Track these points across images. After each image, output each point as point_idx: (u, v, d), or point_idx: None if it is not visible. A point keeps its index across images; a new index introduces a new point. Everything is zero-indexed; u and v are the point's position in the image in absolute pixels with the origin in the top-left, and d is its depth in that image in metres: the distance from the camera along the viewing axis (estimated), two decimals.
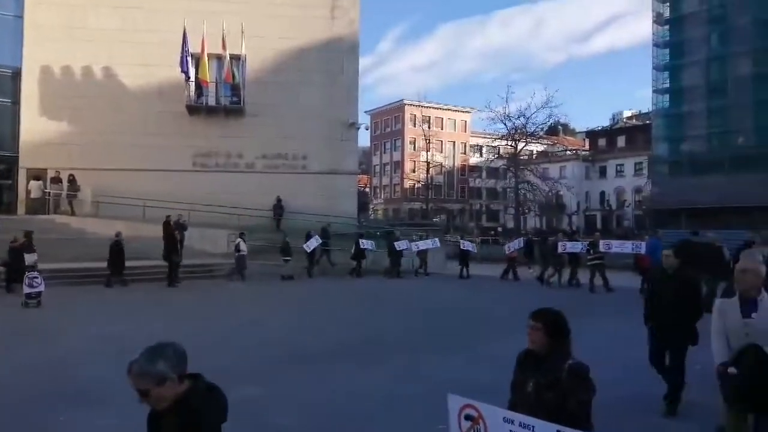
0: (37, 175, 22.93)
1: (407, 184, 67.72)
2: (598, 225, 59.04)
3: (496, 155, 54.55)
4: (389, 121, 75.37)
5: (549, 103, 43.58)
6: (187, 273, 17.31)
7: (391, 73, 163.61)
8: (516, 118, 44.46)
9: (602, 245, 16.94)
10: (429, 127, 61.61)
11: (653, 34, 50.30)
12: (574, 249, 17.55)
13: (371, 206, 68.04)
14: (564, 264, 17.86)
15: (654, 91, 50.48)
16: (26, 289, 12.36)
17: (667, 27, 49.52)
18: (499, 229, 56.89)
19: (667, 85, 49.41)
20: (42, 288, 12.50)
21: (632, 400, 5.81)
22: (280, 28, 24.66)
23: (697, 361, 5.49)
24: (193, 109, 24.25)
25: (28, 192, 22.81)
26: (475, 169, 74.56)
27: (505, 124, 45.36)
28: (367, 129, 31.69)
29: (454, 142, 74.46)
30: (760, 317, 3.71)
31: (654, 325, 5.63)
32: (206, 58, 22.89)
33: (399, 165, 72.87)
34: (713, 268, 11.17)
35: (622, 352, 7.72)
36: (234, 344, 9.03)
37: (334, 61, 25.45)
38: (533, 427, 2.32)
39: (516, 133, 45.11)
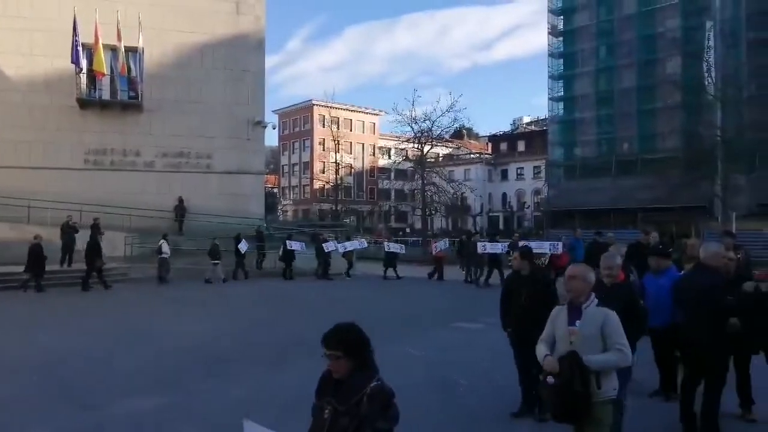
0: None
1: (317, 184, 67.26)
2: (501, 226, 61.75)
3: (404, 157, 55.43)
4: (298, 121, 74.55)
5: (453, 108, 44.93)
6: (77, 279, 16.19)
7: (299, 72, 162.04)
8: (422, 122, 45.45)
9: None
10: (338, 128, 61.56)
11: (549, 45, 53.23)
12: (495, 250, 17.78)
13: (280, 207, 66.90)
14: (483, 264, 18.17)
15: (550, 99, 53.39)
16: None
17: (561, 39, 52.59)
18: (407, 229, 57.94)
19: (562, 94, 52.44)
20: None
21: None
22: (180, 21, 23.66)
23: None
24: (85, 103, 22.68)
25: None
26: (383, 170, 75.41)
27: (411, 127, 46.26)
28: (274, 128, 31.18)
29: (363, 143, 74.93)
30: (583, 325, 3.61)
31: (511, 329, 5.72)
32: (101, 49, 21.48)
33: (308, 165, 72.25)
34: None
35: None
36: (138, 352, 8.58)
37: (240, 57, 24.77)
38: None
39: (422, 136, 46.08)
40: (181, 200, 22.90)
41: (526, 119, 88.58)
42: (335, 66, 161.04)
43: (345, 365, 2.51)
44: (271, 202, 51.56)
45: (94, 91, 22.72)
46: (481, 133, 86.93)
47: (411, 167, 56.12)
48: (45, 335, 9.90)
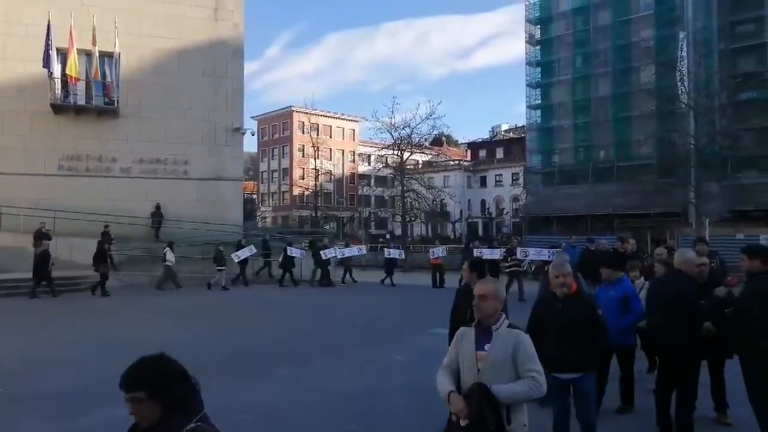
0: None
1: (296, 191, 66.97)
2: (480, 232, 62.13)
3: (384, 164, 55.47)
4: (277, 127, 74.28)
5: (432, 115, 45.13)
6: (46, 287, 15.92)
7: (279, 79, 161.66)
8: (401, 129, 45.57)
9: (519, 252, 17.03)
10: (317, 135, 61.45)
11: (526, 53, 53.77)
12: (492, 256, 17.38)
13: (259, 214, 66.42)
14: None
15: (528, 107, 53.90)
16: None
17: (538, 48, 53.21)
18: (387, 236, 57.89)
19: (539, 102, 52.99)
20: None
21: None
22: (158, 27, 23.44)
23: None
24: (60, 109, 22.29)
25: None
26: (363, 177, 75.45)
27: (391, 134, 46.35)
28: (253, 134, 30.97)
29: (343, 150, 74.91)
30: (493, 349, 3.13)
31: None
32: (75, 54, 21.14)
33: (287, 172, 71.96)
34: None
35: None
36: (115, 361, 8.37)
37: (218, 64, 24.60)
38: None
39: (402, 143, 46.21)
40: (158, 207, 22.60)
41: (505, 127, 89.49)
42: (315, 73, 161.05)
43: (151, 410, 1.97)
44: (249, 208, 51.20)
45: (69, 97, 22.34)
46: (461, 140, 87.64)
47: (391, 174, 56.23)
48: (21, 342, 9.69)
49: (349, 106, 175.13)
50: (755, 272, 4.90)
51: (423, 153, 59.85)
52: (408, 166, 51.57)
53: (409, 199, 48.36)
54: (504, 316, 3.29)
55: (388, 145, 49.14)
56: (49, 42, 20.55)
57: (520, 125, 76.01)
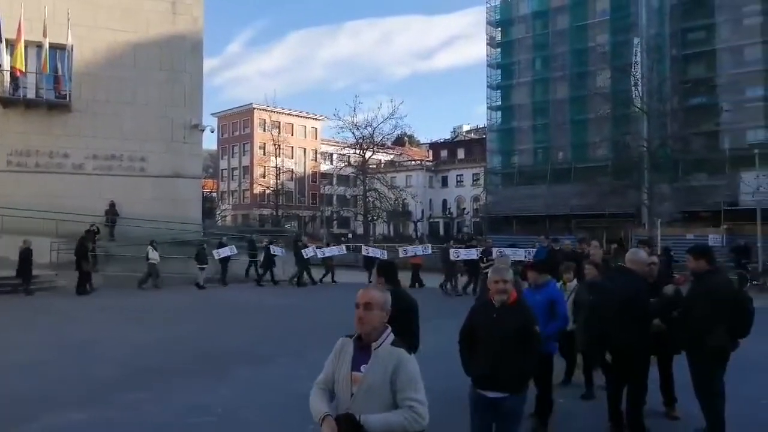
0: None
1: (257, 189, 66.16)
2: (441, 231, 62.65)
3: (346, 163, 55.38)
4: (238, 125, 73.21)
5: (395, 115, 45.33)
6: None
7: (240, 76, 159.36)
8: (363, 128, 45.60)
9: (495, 252, 16.89)
10: (279, 133, 60.85)
11: (487, 55, 54.51)
12: (469, 256, 17.15)
13: (218, 212, 65.35)
14: (457, 272, 17.61)
15: (488, 108, 54.65)
16: None
17: (499, 50, 54.01)
18: (350, 235, 57.79)
19: (499, 103, 53.78)
20: None
21: None
22: (113, 19, 22.73)
23: None
24: (8, 102, 21.38)
25: None
26: (325, 176, 75.09)
27: (353, 133, 46.33)
28: (212, 131, 30.29)
29: (305, 148, 74.39)
30: (370, 370, 2.68)
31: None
32: (23, 45, 20.33)
33: (248, 170, 71.00)
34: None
35: None
36: (69, 363, 8.17)
37: (176, 58, 24.03)
38: None
39: (364, 142, 46.24)
40: (112, 204, 21.93)
41: (466, 127, 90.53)
42: (277, 71, 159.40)
43: None
44: (209, 206, 50.29)
45: (18, 90, 21.47)
46: (422, 140, 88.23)
47: (353, 173, 56.19)
48: None
49: (312, 104, 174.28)
50: (701, 272, 5.10)
51: (385, 152, 60.14)
52: (370, 166, 51.70)
53: (371, 199, 48.48)
54: (389, 330, 2.77)
55: (351, 144, 49.11)
56: None
57: (481, 126, 77.01)
